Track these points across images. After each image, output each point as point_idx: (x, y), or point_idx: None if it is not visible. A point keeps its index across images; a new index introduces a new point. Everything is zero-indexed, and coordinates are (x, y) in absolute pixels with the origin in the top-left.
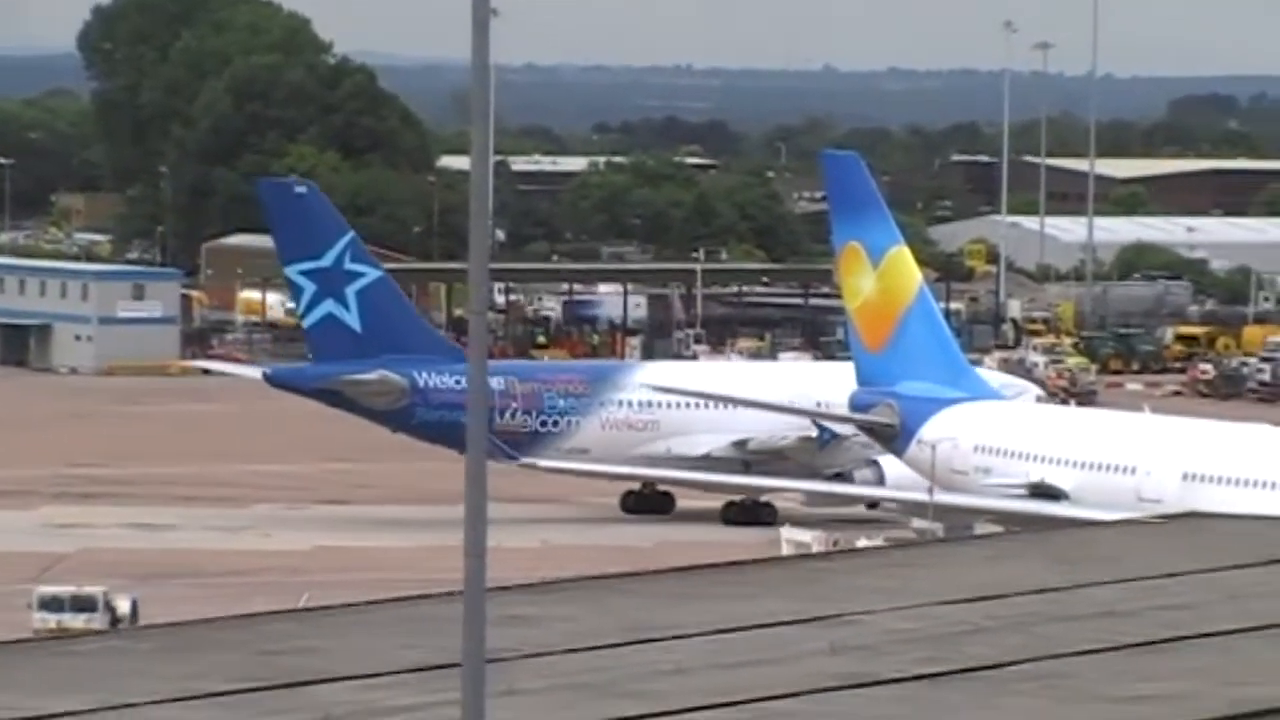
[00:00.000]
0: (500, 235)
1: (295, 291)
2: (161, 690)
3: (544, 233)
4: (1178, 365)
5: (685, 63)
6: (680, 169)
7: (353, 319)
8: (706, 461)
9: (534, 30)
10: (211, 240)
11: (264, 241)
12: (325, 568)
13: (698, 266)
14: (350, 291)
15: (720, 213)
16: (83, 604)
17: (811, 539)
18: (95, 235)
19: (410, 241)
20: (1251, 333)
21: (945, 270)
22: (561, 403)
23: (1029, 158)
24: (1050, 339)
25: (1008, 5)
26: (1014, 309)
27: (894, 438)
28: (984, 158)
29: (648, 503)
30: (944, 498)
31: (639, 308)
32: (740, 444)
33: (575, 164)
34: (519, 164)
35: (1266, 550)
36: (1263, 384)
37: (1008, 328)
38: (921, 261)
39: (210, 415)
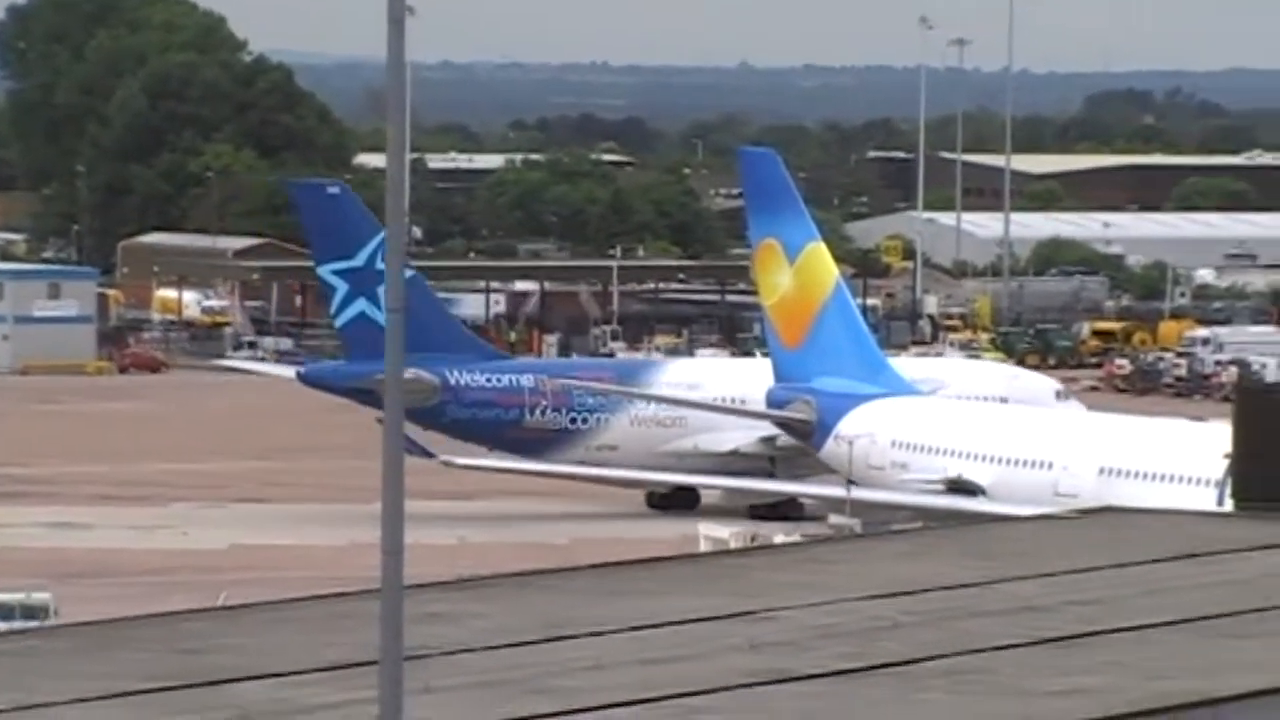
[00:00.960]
0: (417, 233)
1: (328, 291)
2: (78, 690)
3: (461, 230)
4: (1094, 360)
5: (601, 60)
6: (597, 166)
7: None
8: (734, 458)
9: (450, 27)
10: (127, 239)
11: (180, 240)
12: (243, 566)
13: (614, 263)
14: (382, 291)
15: (637, 210)
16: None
17: (729, 535)
18: (10, 234)
19: None
20: (1167, 328)
21: (862, 266)
22: (590, 400)
23: (945, 154)
24: (967, 335)
25: (923, 1)
26: (931, 305)
27: (811, 434)
28: (900, 154)
29: (672, 500)
30: (861, 493)
31: (498, 304)
32: (769, 440)
33: (491, 161)
34: (435, 161)
35: (1183, 544)
36: (1179, 379)
37: (924, 324)
38: (838, 258)
39: (127, 414)
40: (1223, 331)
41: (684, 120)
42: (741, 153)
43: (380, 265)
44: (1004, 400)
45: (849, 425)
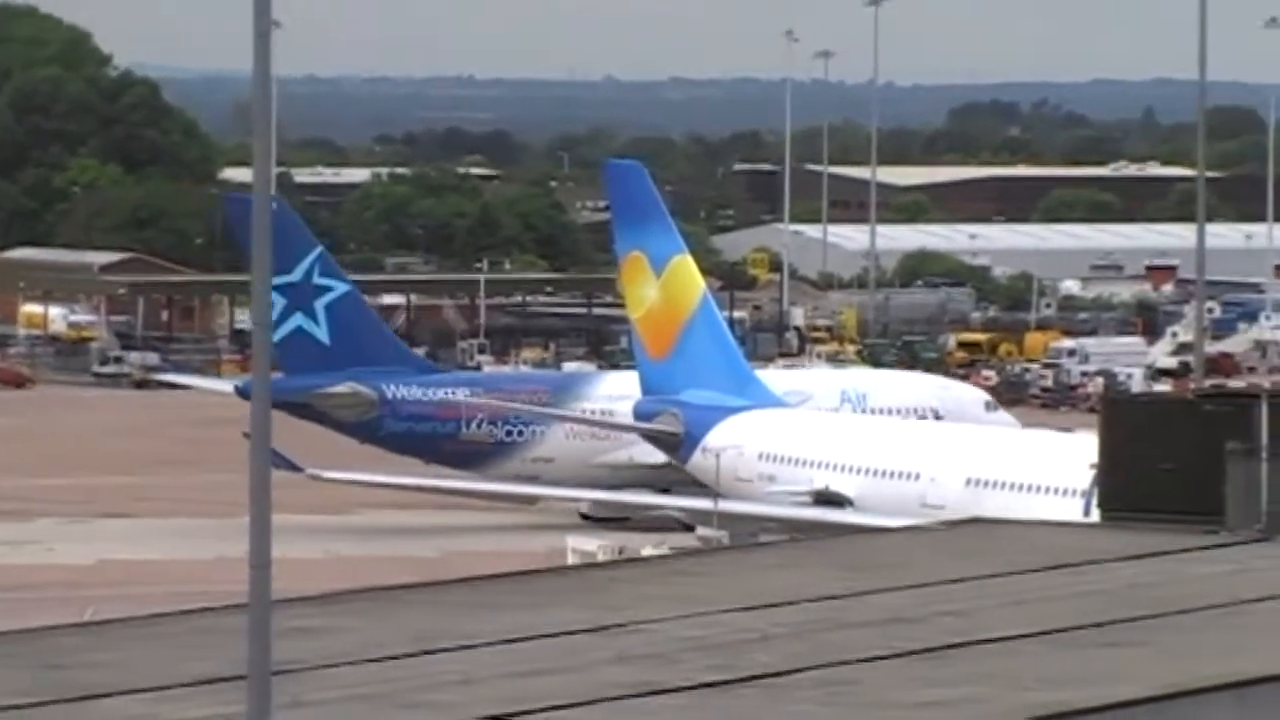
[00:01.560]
0: None
1: None
2: None
3: (327, 244)
4: (961, 372)
5: (467, 73)
6: (463, 179)
7: (321, 332)
8: (669, 470)
9: (316, 42)
10: None
11: (46, 254)
12: (109, 581)
13: (481, 277)
14: (319, 305)
15: (503, 223)
16: None
17: (597, 548)
18: None
19: (193, 254)
20: (1034, 339)
21: (728, 279)
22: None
23: (811, 166)
24: (834, 346)
25: (789, 14)
26: (797, 317)
27: (678, 446)
28: (766, 166)
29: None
30: (729, 505)
31: None
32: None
33: (358, 175)
34: (301, 175)
35: (1050, 555)
36: (1045, 390)
37: (791, 336)
38: (704, 270)
39: None
40: (1089, 342)
41: (550, 133)
42: (608, 165)
43: (318, 280)
44: (935, 411)
45: (716, 437)
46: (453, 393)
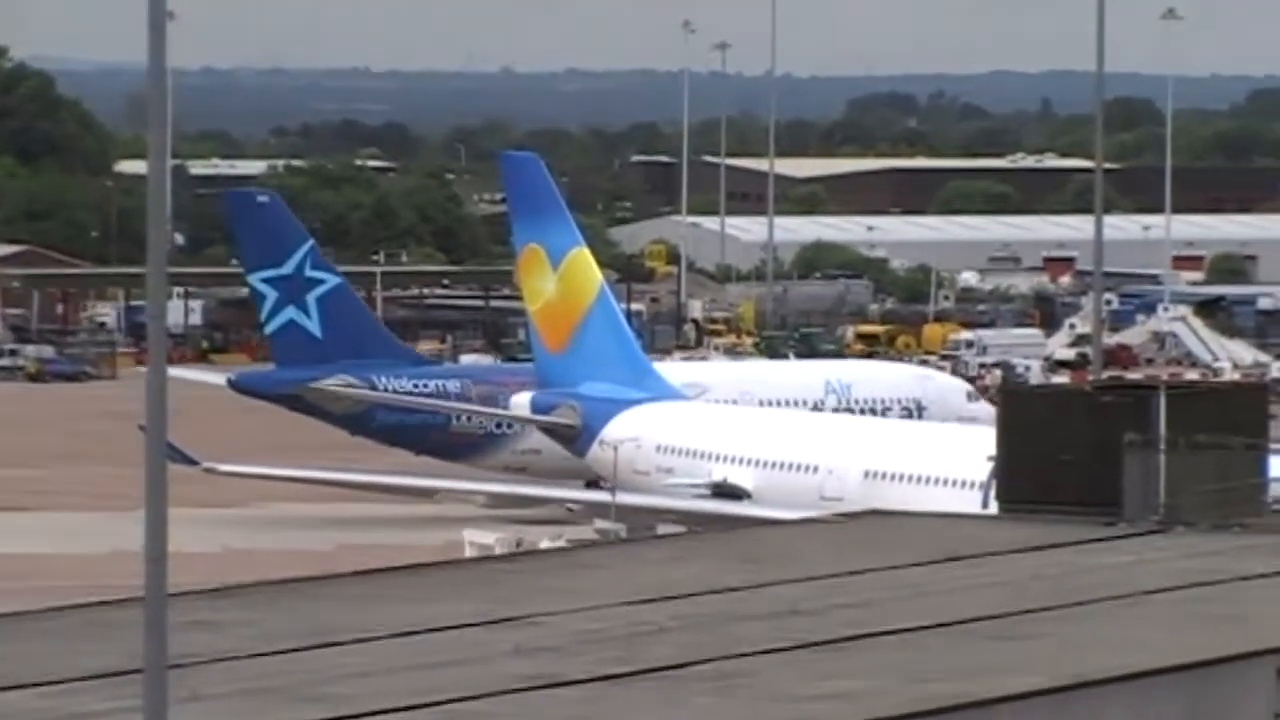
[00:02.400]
0: (179, 239)
1: (258, 299)
2: None
3: (223, 236)
4: None
5: (363, 65)
6: (359, 172)
7: (313, 325)
8: None
9: (211, 34)
10: None
11: None
12: (3, 575)
13: (378, 269)
14: (311, 298)
15: (400, 215)
16: None
17: (495, 541)
18: None
19: (88, 246)
20: (931, 331)
21: (626, 271)
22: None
23: (709, 158)
24: (731, 339)
25: (686, 5)
26: (695, 309)
27: (576, 439)
28: (664, 158)
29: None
30: (626, 498)
31: (194, 313)
32: None
33: (253, 167)
34: (197, 168)
35: (948, 546)
36: None
37: (689, 328)
38: (602, 263)
39: None
40: (986, 334)
41: (446, 125)
42: (504, 157)
43: (309, 273)
44: (918, 402)
45: (614, 430)
46: (444, 385)
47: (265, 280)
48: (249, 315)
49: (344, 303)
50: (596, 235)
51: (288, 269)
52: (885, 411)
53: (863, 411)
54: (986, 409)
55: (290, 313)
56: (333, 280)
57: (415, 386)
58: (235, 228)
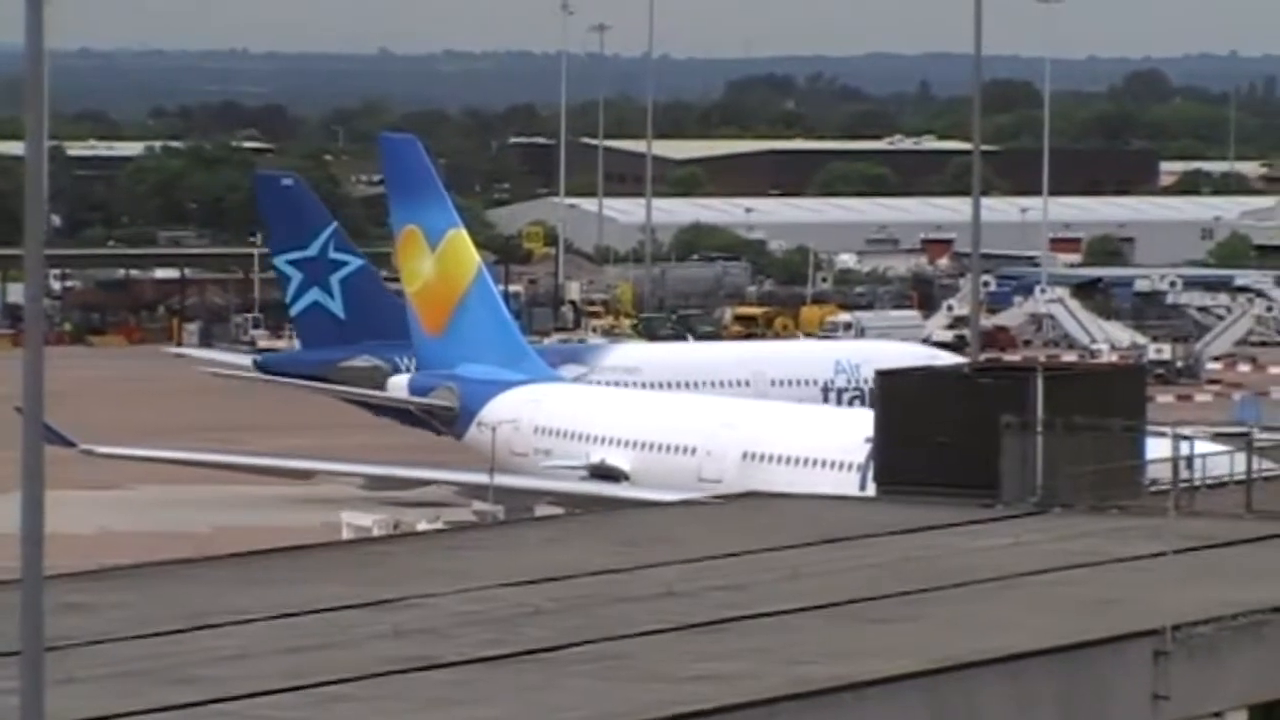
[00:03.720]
0: (56, 221)
1: (283, 281)
2: None
3: (101, 218)
4: None
5: (242, 47)
6: (237, 153)
7: (337, 306)
8: None
9: (89, 14)
10: None
11: None
12: None
13: (255, 251)
14: (334, 280)
15: None
16: None
17: (372, 523)
18: None
19: None
20: (809, 312)
21: (504, 253)
22: None
23: (587, 139)
24: (609, 320)
25: None
26: (573, 291)
27: (455, 421)
28: (541, 139)
29: None
30: (504, 480)
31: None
32: None
33: (132, 149)
34: (75, 149)
35: (825, 528)
36: None
37: (567, 310)
38: (480, 244)
39: None
40: (865, 316)
41: (325, 107)
42: (382, 139)
43: (333, 255)
44: None
45: (492, 412)
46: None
47: (290, 262)
48: (125, 297)
49: (366, 284)
50: (474, 217)
51: (312, 251)
52: None
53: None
54: None
55: (314, 294)
56: (355, 262)
57: None
58: (261, 210)
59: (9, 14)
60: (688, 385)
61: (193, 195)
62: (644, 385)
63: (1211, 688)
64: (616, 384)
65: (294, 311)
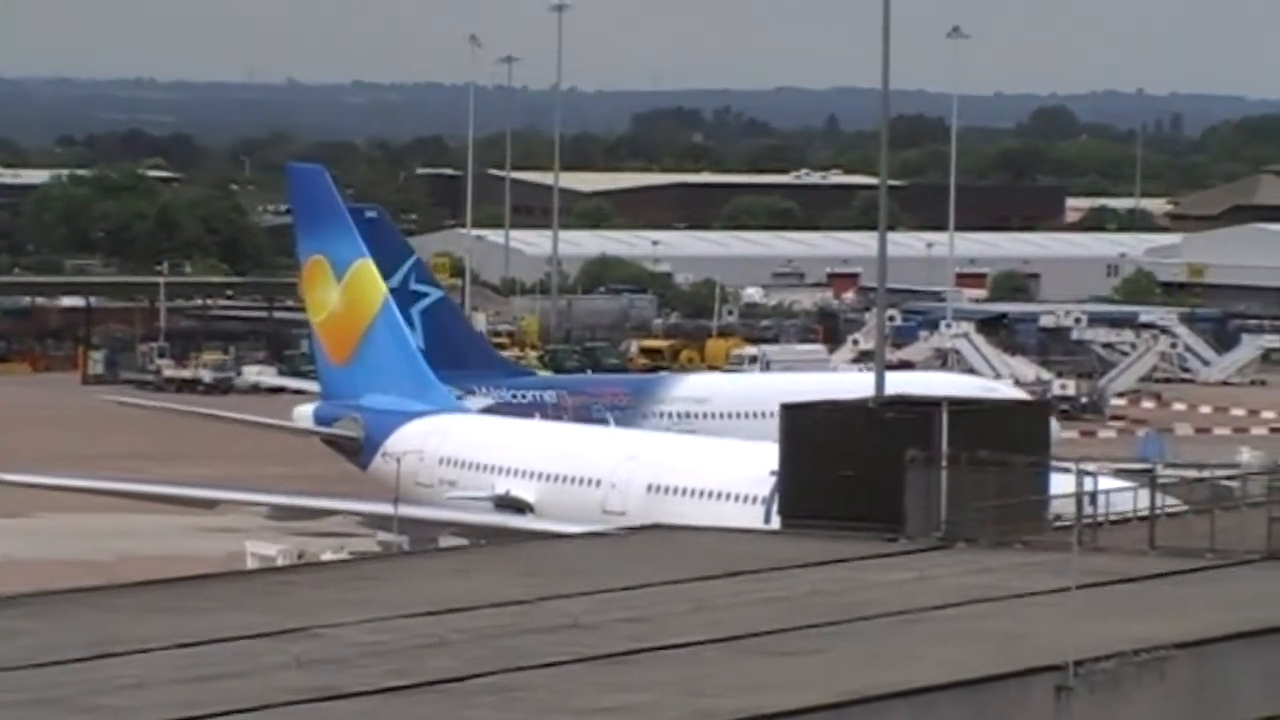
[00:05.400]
0: None
1: None
2: None
3: (6, 245)
4: None
5: (149, 76)
6: (143, 181)
7: (417, 337)
8: None
9: None
10: None
11: None
12: None
13: (161, 280)
14: (415, 311)
15: (184, 225)
16: None
17: (277, 552)
18: None
19: None
20: (715, 345)
21: None
22: (608, 415)
23: (494, 171)
24: (515, 352)
25: (473, 19)
26: (480, 322)
27: (359, 451)
28: (449, 171)
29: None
30: (409, 510)
31: None
32: None
33: (38, 177)
34: None
35: (730, 561)
36: None
37: None
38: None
39: None
40: (770, 349)
41: (232, 136)
42: (289, 169)
43: (414, 286)
44: None
45: (397, 442)
46: (540, 396)
47: None
48: (30, 325)
49: (446, 315)
50: None
51: (394, 282)
52: None
53: None
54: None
55: None
56: (435, 294)
57: (513, 396)
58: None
59: None
60: (758, 415)
61: (99, 224)
62: (712, 416)
63: None
64: (686, 415)
65: None
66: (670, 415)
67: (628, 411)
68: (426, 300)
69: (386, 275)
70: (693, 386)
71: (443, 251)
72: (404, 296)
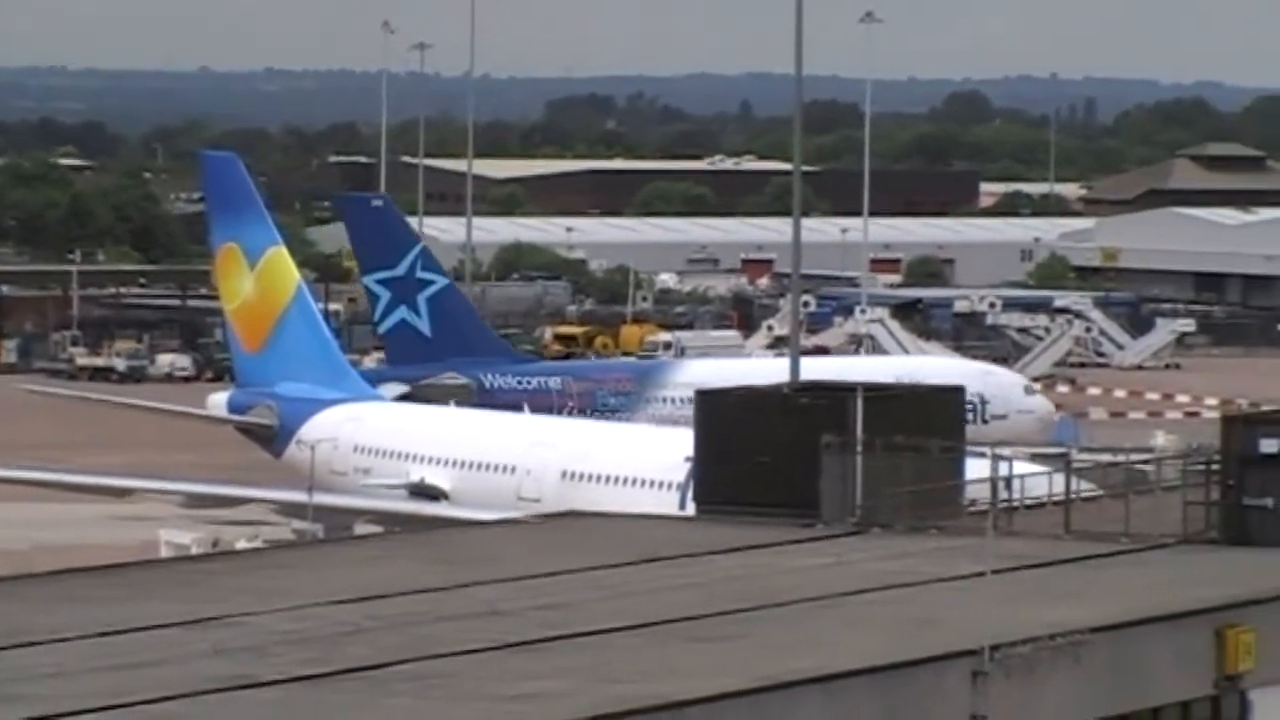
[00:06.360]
0: None
1: (372, 299)
2: None
3: None
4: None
5: (60, 64)
6: (55, 170)
7: (423, 324)
8: None
9: None
10: None
11: None
12: None
13: (74, 268)
14: (421, 298)
15: (97, 214)
16: None
17: (191, 541)
18: None
19: None
20: (629, 332)
21: (324, 271)
22: (612, 400)
23: (408, 158)
24: None
25: (385, 6)
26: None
27: (274, 439)
28: (363, 158)
29: None
30: (323, 498)
31: None
32: None
33: None
34: None
35: (645, 547)
36: None
37: None
38: (300, 262)
39: None
40: (685, 335)
41: (145, 124)
42: (202, 157)
43: (420, 274)
44: (981, 396)
45: (311, 430)
46: (546, 382)
47: (379, 281)
48: None
49: (452, 303)
50: (294, 235)
51: (400, 270)
52: None
53: None
54: (1043, 402)
55: (401, 312)
56: (442, 282)
57: (519, 383)
58: (350, 231)
59: None
60: None
61: (11, 212)
62: None
63: (1029, 708)
64: (689, 401)
65: (382, 329)
66: (674, 401)
67: (631, 397)
68: (433, 288)
69: (392, 263)
70: (696, 372)
71: None
72: (410, 284)
